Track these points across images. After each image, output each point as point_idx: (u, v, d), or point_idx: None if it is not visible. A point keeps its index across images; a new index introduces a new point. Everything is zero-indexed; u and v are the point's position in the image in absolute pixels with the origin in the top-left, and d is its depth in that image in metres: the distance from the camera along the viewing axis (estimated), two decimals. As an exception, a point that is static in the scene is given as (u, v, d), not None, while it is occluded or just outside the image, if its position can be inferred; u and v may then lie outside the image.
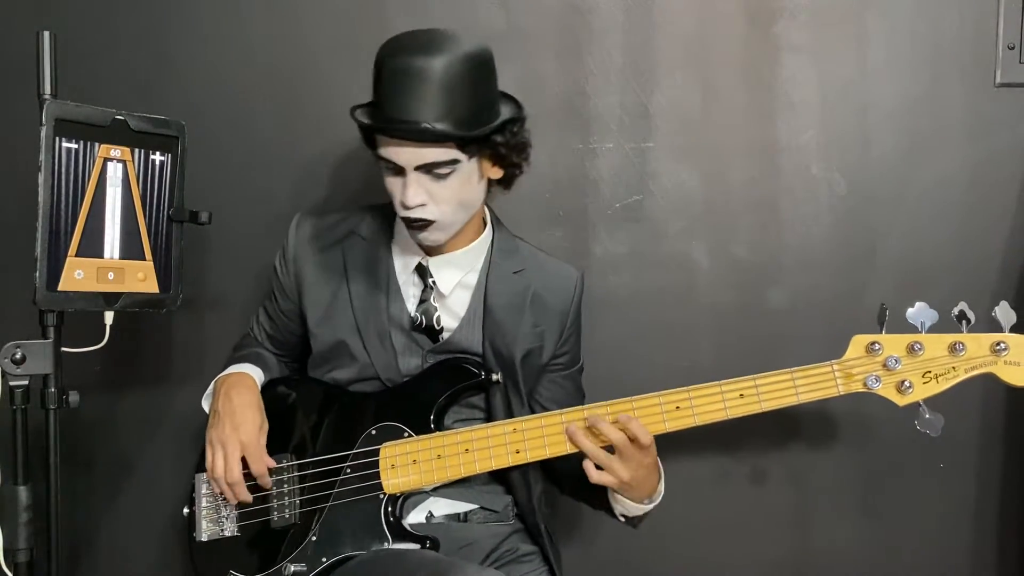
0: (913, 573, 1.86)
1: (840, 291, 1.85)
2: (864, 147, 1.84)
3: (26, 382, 1.35)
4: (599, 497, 1.50)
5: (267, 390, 1.55)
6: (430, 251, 1.49)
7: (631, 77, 1.85)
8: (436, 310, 1.50)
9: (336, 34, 1.86)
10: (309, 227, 1.56)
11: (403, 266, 1.52)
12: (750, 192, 1.85)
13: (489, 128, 1.38)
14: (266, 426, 1.48)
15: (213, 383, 1.55)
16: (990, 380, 1.43)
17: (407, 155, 1.35)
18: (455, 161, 1.36)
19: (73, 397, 1.38)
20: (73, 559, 1.89)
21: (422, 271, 1.51)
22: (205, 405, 1.56)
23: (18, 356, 1.33)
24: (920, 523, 1.86)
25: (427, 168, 1.36)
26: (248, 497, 1.45)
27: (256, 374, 1.55)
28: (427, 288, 1.50)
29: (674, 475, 1.80)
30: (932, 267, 1.83)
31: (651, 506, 1.47)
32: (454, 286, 1.51)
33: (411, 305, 1.51)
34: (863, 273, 1.84)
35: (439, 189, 1.38)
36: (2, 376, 1.33)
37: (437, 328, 1.50)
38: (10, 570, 1.35)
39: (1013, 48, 1.80)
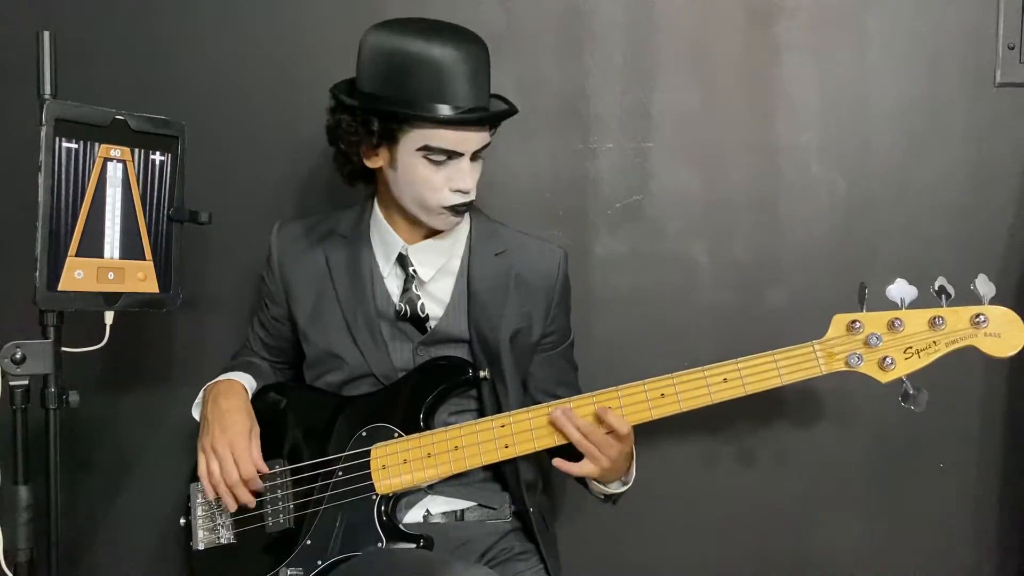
0: (913, 572, 1.86)
1: (840, 291, 1.83)
2: (864, 147, 1.84)
3: (26, 382, 1.35)
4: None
5: (259, 397, 1.55)
6: (411, 239, 1.52)
7: (631, 77, 1.85)
8: (419, 298, 1.52)
9: (337, 33, 1.85)
10: (289, 233, 1.59)
11: (384, 259, 1.54)
12: (750, 192, 1.85)
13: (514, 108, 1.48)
14: (257, 430, 1.48)
15: (202, 391, 1.55)
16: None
17: (473, 140, 1.41)
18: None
19: (73, 397, 1.38)
20: (73, 559, 1.89)
21: (402, 260, 1.52)
22: (195, 413, 1.56)
23: (18, 356, 1.33)
24: (920, 522, 1.86)
25: (480, 152, 1.44)
26: (250, 500, 1.45)
27: (247, 381, 1.56)
28: (408, 277, 1.52)
29: (671, 469, 1.81)
30: (931, 267, 1.81)
31: (624, 488, 1.49)
32: (435, 272, 1.52)
33: (395, 296, 1.52)
34: (863, 273, 1.83)
35: (478, 169, 1.46)
36: (2, 376, 1.33)
37: (422, 316, 1.51)
38: (10, 570, 1.35)
39: (1013, 48, 1.80)
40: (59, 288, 1.35)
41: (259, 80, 1.86)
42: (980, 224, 1.82)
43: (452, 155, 1.40)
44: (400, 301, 1.51)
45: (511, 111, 1.45)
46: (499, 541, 1.52)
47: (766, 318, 1.85)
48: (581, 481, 1.53)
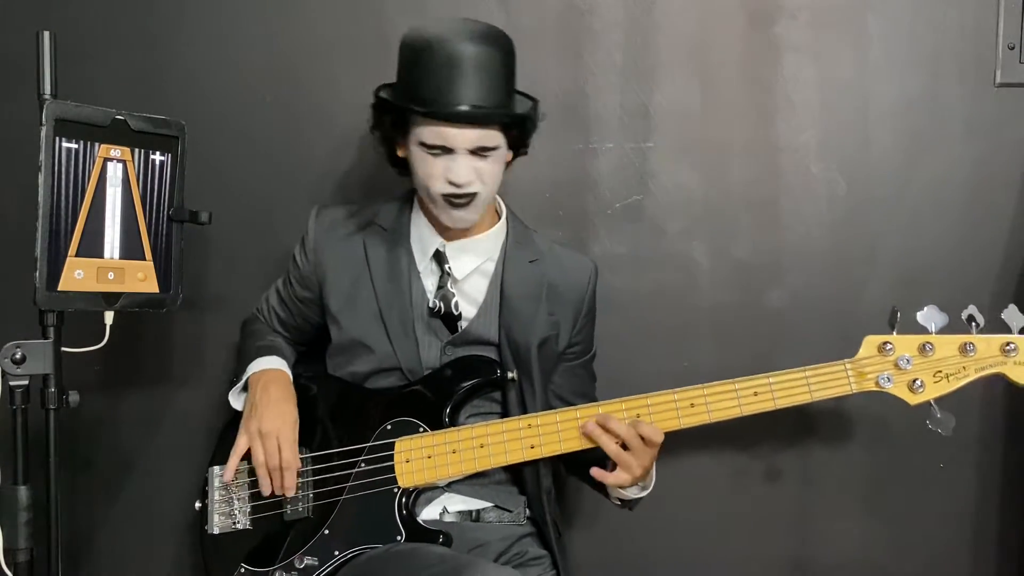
0: (913, 573, 1.86)
1: (840, 291, 1.85)
2: (864, 147, 1.84)
3: (26, 382, 1.35)
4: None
5: None
6: (449, 236, 1.53)
7: (631, 77, 1.85)
8: (453, 296, 1.53)
9: (336, 33, 1.86)
10: (329, 218, 1.59)
11: (422, 254, 1.55)
12: (750, 192, 1.85)
13: (533, 109, 1.48)
14: (297, 421, 1.49)
15: (245, 378, 1.54)
16: (991, 379, 1.44)
17: (463, 137, 1.40)
18: (498, 146, 1.44)
19: (73, 397, 1.38)
20: (73, 559, 1.89)
21: (439, 257, 1.54)
22: (232, 400, 1.56)
23: (18, 356, 1.33)
24: (920, 523, 1.85)
25: (488, 150, 1.43)
26: (292, 485, 1.46)
27: (285, 368, 1.57)
28: (444, 275, 1.53)
29: (678, 473, 1.80)
30: (932, 267, 1.83)
31: (644, 493, 1.49)
32: (470, 272, 1.54)
33: (430, 292, 1.53)
34: (863, 273, 1.84)
35: (485, 166, 1.44)
36: (2, 376, 1.33)
37: (455, 314, 1.52)
38: (10, 570, 1.35)
39: (1013, 48, 1.80)
40: (59, 288, 1.35)
41: (259, 80, 1.86)
42: (980, 223, 1.82)
43: (444, 150, 1.42)
44: (435, 297, 1.53)
45: (491, 116, 1.41)
46: (513, 545, 1.52)
47: (766, 318, 1.85)
48: (598, 488, 1.53)
